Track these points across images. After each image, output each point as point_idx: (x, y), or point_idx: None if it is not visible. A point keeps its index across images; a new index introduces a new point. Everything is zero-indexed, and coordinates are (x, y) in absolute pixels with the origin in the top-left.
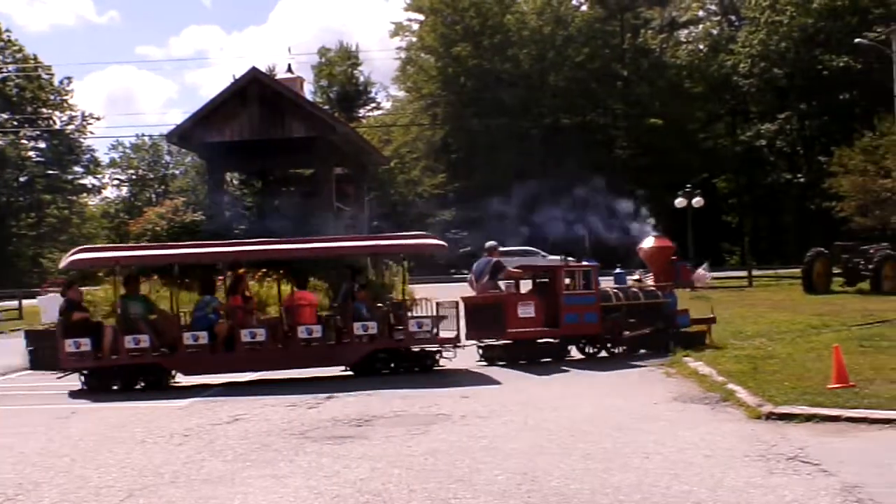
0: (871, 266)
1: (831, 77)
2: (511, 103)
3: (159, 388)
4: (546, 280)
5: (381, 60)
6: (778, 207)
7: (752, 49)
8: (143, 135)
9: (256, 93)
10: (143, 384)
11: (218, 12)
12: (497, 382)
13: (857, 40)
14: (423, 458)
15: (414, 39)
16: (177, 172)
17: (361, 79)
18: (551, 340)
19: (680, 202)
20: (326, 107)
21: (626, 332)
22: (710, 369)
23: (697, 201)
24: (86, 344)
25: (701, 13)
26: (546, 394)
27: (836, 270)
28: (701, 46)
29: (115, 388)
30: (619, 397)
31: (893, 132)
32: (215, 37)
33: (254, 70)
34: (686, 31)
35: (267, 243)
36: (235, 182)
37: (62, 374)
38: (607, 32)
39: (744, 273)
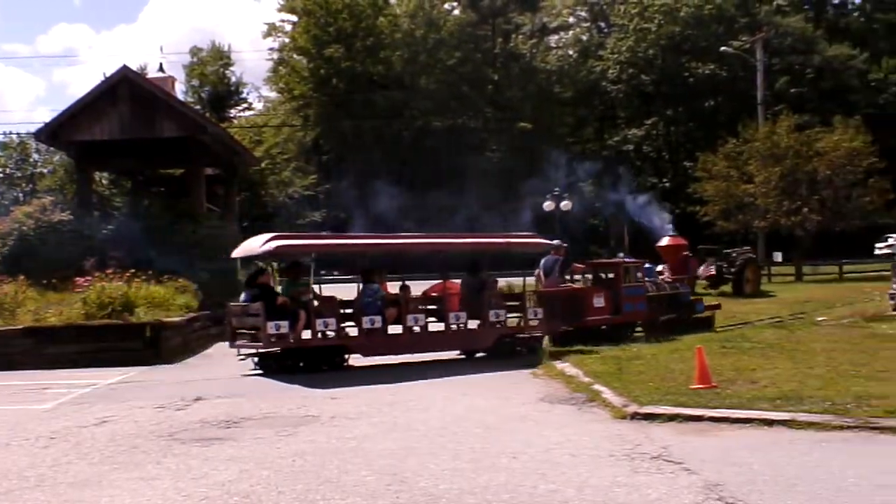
0: (733, 269)
1: (697, 84)
2: (382, 105)
3: (338, 368)
4: (607, 275)
5: (253, 61)
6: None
7: (620, 55)
8: (11, 133)
9: (127, 92)
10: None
11: (87, 10)
12: (367, 383)
13: (722, 49)
14: (291, 460)
15: (286, 41)
16: (45, 171)
17: (233, 79)
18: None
19: (548, 205)
20: (198, 107)
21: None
22: (576, 370)
23: (565, 204)
24: (284, 326)
25: (571, 19)
26: (414, 395)
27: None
28: (571, 52)
29: (300, 365)
30: (487, 398)
31: (756, 139)
32: (85, 35)
33: (124, 69)
34: (556, 37)
35: (431, 237)
36: (104, 182)
37: (243, 357)
38: (479, 37)
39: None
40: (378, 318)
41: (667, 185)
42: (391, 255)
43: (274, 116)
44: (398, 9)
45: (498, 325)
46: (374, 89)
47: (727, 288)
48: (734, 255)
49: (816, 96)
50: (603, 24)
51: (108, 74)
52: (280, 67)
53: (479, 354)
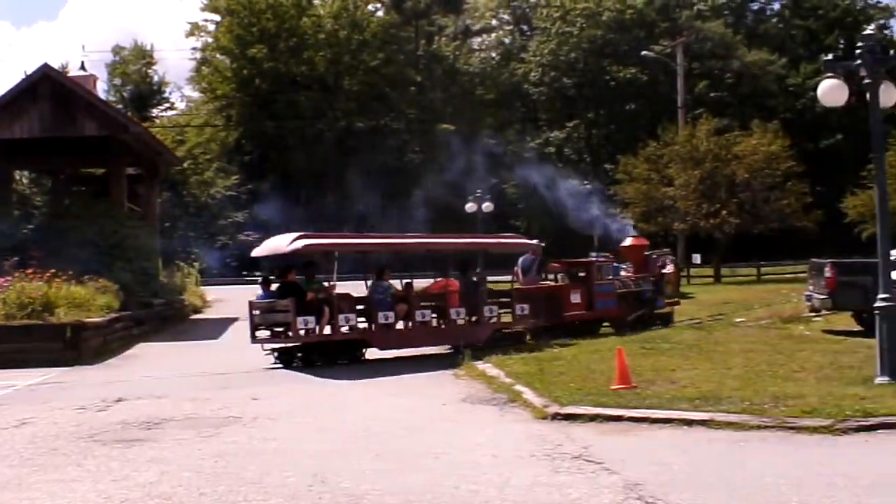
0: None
1: (618, 87)
2: (305, 106)
3: (357, 361)
4: (581, 273)
5: (175, 60)
6: (565, 213)
7: (542, 58)
8: None
9: (48, 90)
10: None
11: (6, 7)
12: (289, 384)
13: (643, 53)
14: (213, 461)
15: (210, 40)
16: None
17: (156, 78)
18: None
19: (470, 206)
20: (120, 106)
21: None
22: (498, 371)
23: (487, 206)
24: (312, 322)
25: (494, 22)
26: (337, 395)
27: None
28: (493, 54)
29: (318, 363)
30: (409, 399)
31: (676, 142)
32: (4, 32)
33: (45, 67)
34: (479, 40)
35: (436, 237)
36: (25, 181)
37: (269, 352)
38: (402, 38)
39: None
40: (391, 314)
41: (588, 186)
42: (399, 253)
43: (196, 116)
44: (322, 10)
45: (492, 321)
46: (297, 90)
47: None
48: (654, 256)
49: (735, 101)
50: (525, 27)
51: (28, 72)
52: (203, 67)
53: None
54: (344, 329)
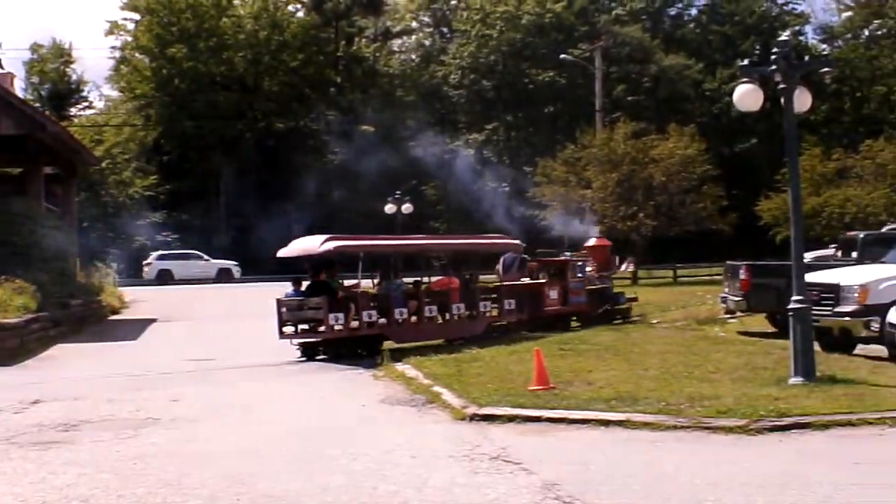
0: None
1: (537, 90)
2: (225, 106)
3: (375, 354)
4: (557, 270)
5: (94, 59)
6: (483, 215)
7: (462, 61)
8: None
9: None
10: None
11: None
12: (209, 385)
13: (562, 56)
14: (131, 463)
15: (129, 39)
16: None
17: (74, 77)
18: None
19: (390, 208)
20: (38, 104)
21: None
22: (416, 372)
23: (407, 207)
24: (341, 318)
25: (414, 24)
26: (256, 396)
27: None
28: (413, 56)
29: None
30: (328, 399)
31: (594, 145)
32: None
33: None
34: (399, 41)
35: (434, 238)
36: None
37: (298, 346)
38: (322, 39)
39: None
40: (405, 310)
41: (506, 189)
42: (414, 254)
43: (115, 116)
44: (242, 10)
45: (486, 315)
46: (216, 90)
47: None
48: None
49: (653, 104)
50: (445, 30)
51: None
52: (122, 66)
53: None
54: (364, 324)
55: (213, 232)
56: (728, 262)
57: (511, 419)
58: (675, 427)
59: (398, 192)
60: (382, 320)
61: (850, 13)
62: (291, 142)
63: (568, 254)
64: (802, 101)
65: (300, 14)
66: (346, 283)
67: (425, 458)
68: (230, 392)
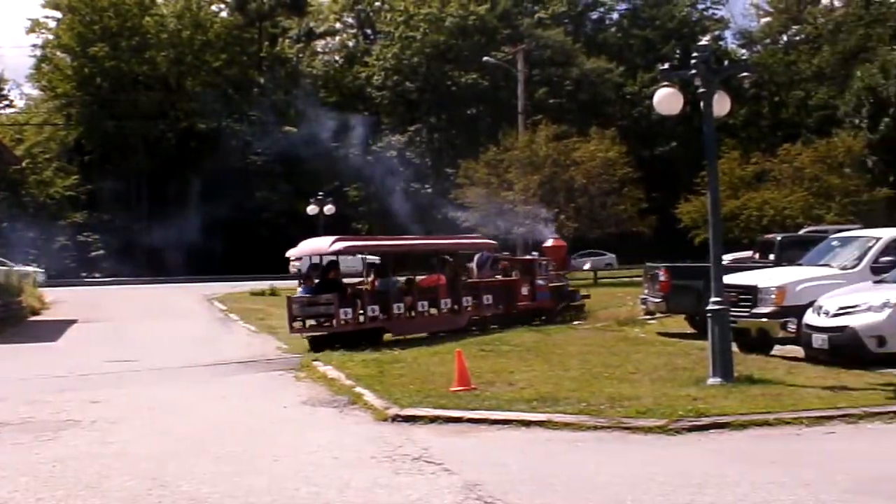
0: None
1: (460, 92)
2: (147, 106)
3: (377, 345)
4: (526, 269)
5: (15, 57)
6: (406, 216)
7: (385, 62)
8: None
9: None
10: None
11: None
12: (128, 387)
13: (485, 59)
14: (51, 466)
15: (51, 37)
16: None
17: None
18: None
19: (312, 209)
20: None
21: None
22: (338, 373)
23: (329, 208)
24: (350, 312)
25: (338, 25)
26: (176, 398)
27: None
28: (337, 57)
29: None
30: (249, 401)
31: (516, 147)
32: None
33: None
34: (323, 42)
35: (423, 238)
36: None
37: (308, 337)
38: (245, 39)
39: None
40: (402, 304)
41: (429, 190)
42: (408, 253)
43: (36, 114)
44: (165, 9)
45: (468, 309)
46: (138, 89)
47: None
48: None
49: (574, 107)
50: (369, 31)
51: None
52: (43, 64)
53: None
54: (368, 318)
55: (133, 232)
56: (648, 263)
57: (433, 420)
58: (595, 427)
59: (321, 193)
60: (383, 315)
61: (768, 19)
62: (214, 142)
63: (535, 254)
64: (721, 105)
65: (223, 14)
66: (364, 280)
67: (347, 460)
68: (152, 393)
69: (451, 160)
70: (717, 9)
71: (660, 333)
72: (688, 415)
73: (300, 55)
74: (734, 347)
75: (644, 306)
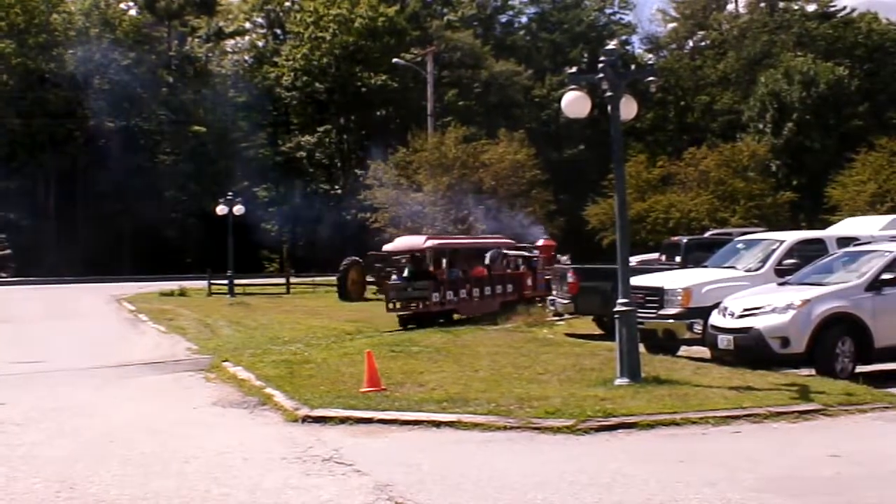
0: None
1: (370, 94)
2: (55, 104)
3: (449, 323)
4: (528, 264)
5: None
6: (316, 217)
7: (295, 63)
8: None
9: None
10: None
11: None
12: (33, 389)
13: (394, 60)
14: None
15: None
16: None
17: None
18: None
19: (221, 209)
20: None
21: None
22: (248, 374)
23: (238, 209)
24: (437, 296)
25: (248, 25)
26: (84, 400)
27: (369, 279)
28: (246, 57)
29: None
30: (158, 402)
31: (425, 149)
32: None
33: None
34: (232, 42)
35: (472, 237)
36: None
37: (403, 317)
38: (154, 38)
39: (282, 280)
40: (464, 291)
41: (339, 191)
42: (463, 250)
43: None
44: (73, 6)
45: (499, 295)
46: (46, 87)
47: None
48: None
49: (483, 109)
50: (279, 31)
51: None
52: None
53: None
54: (447, 301)
55: (41, 232)
56: (556, 265)
57: (343, 421)
58: (505, 427)
59: (230, 193)
60: (455, 298)
61: (675, 24)
62: (122, 141)
63: (535, 251)
64: (628, 109)
65: (132, 12)
66: (443, 270)
67: (258, 461)
68: (59, 395)
69: (361, 161)
70: (624, 14)
71: (568, 335)
72: (596, 415)
73: (209, 54)
74: (641, 348)
75: (553, 308)
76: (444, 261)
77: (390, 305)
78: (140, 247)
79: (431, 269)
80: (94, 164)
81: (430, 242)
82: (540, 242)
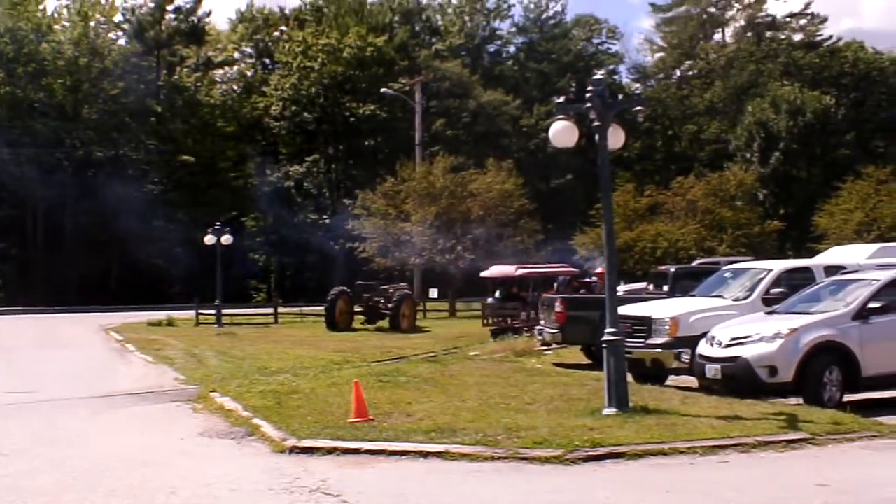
0: (390, 305)
1: (358, 123)
2: (43, 133)
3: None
4: (588, 289)
5: None
6: (304, 247)
7: (284, 92)
8: None
9: None
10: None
11: None
12: (21, 420)
13: (383, 90)
14: None
15: None
16: None
17: None
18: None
19: (210, 239)
20: None
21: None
22: (236, 404)
23: (227, 239)
24: (524, 315)
25: (237, 55)
26: (71, 429)
27: (357, 309)
28: (235, 87)
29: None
30: (145, 432)
31: (413, 178)
32: None
33: None
34: (221, 72)
35: (545, 266)
36: None
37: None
38: (143, 67)
39: (270, 310)
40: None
41: (327, 221)
42: (540, 278)
43: None
44: (62, 36)
45: None
46: (34, 117)
47: (384, 323)
48: (391, 291)
49: (471, 139)
50: (267, 61)
51: None
52: None
53: None
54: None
55: (29, 261)
56: (544, 294)
57: (330, 451)
58: (492, 458)
59: (218, 222)
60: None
61: (662, 54)
62: (111, 171)
63: (594, 278)
64: (616, 138)
65: (121, 42)
66: (526, 294)
67: (245, 492)
68: (47, 425)
69: (349, 191)
70: (611, 44)
71: (556, 364)
72: (584, 445)
73: (198, 84)
74: (629, 378)
75: (541, 337)
76: (529, 286)
77: (485, 321)
78: (128, 276)
79: (516, 291)
80: (82, 194)
81: (520, 271)
82: (598, 270)
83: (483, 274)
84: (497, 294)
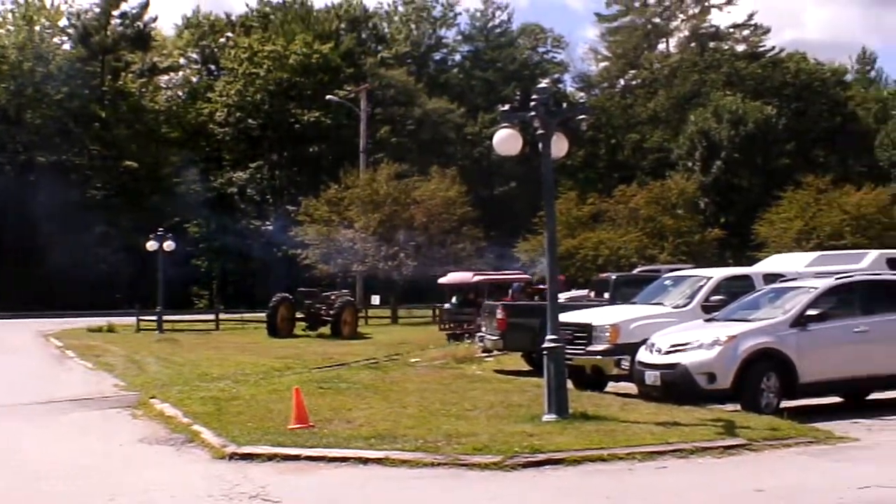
0: (332, 312)
1: (303, 130)
2: None
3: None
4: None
5: None
6: (246, 253)
7: (229, 98)
8: None
9: None
10: None
11: None
12: None
13: (328, 97)
14: None
15: None
16: None
17: None
18: None
19: (152, 245)
20: None
21: None
22: (176, 410)
23: (169, 245)
24: (478, 320)
25: (182, 60)
26: (8, 436)
27: (299, 315)
28: (180, 93)
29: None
30: (83, 439)
31: (357, 186)
32: None
33: None
34: (166, 77)
35: (500, 273)
36: None
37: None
38: (88, 73)
39: (212, 316)
40: None
41: (270, 227)
42: (496, 283)
43: None
44: (6, 40)
45: None
46: None
47: (326, 330)
48: (333, 297)
49: (416, 146)
50: (213, 67)
51: None
52: None
53: None
54: None
55: None
56: (485, 301)
57: (270, 458)
58: (432, 464)
59: (160, 228)
60: None
61: (606, 63)
62: (53, 176)
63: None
64: (559, 146)
65: (66, 46)
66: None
67: (184, 498)
68: None
69: (292, 197)
70: (556, 53)
71: (497, 371)
72: (523, 451)
73: (143, 90)
74: (569, 384)
75: (482, 344)
76: (485, 292)
77: (442, 326)
78: (69, 282)
79: (473, 297)
80: (24, 198)
81: (477, 278)
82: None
83: (441, 280)
84: (454, 300)
